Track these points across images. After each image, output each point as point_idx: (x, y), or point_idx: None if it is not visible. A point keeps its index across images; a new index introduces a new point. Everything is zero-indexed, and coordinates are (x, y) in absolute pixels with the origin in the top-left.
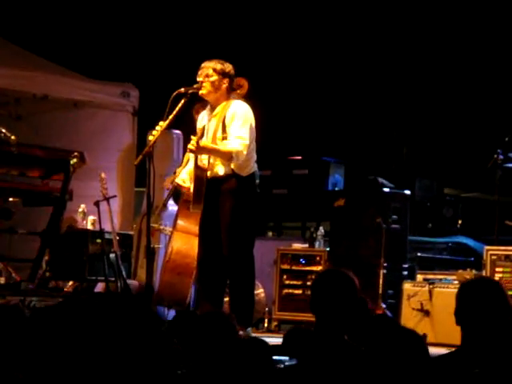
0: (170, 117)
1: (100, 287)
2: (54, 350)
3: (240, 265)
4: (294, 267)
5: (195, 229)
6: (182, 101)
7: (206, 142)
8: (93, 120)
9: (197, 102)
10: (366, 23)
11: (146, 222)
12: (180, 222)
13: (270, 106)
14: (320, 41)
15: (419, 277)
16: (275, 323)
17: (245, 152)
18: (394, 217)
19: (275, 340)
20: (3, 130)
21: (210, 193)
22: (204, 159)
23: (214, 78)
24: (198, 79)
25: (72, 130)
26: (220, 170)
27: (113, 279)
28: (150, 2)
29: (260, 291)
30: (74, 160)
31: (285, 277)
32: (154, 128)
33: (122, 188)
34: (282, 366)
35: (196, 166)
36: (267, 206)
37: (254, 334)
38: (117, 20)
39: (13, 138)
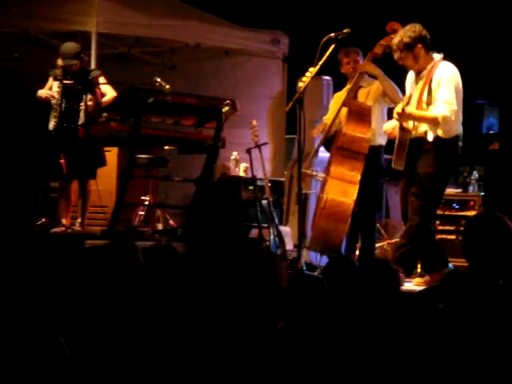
0: (320, 63)
1: (254, 233)
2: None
3: (423, 221)
4: (447, 212)
5: (350, 175)
6: (332, 46)
7: (411, 108)
8: (244, 68)
9: (344, 47)
10: None
11: (298, 168)
12: (334, 169)
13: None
14: None
15: None
16: None
17: (453, 118)
18: None
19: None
20: (158, 80)
21: (412, 151)
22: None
23: (407, 54)
24: (397, 60)
25: (224, 77)
26: (425, 133)
27: (265, 225)
28: None
29: None
30: (226, 108)
31: (438, 222)
32: (304, 74)
33: (273, 135)
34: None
35: (401, 127)
36: None
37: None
38: None
39: (167, 87)
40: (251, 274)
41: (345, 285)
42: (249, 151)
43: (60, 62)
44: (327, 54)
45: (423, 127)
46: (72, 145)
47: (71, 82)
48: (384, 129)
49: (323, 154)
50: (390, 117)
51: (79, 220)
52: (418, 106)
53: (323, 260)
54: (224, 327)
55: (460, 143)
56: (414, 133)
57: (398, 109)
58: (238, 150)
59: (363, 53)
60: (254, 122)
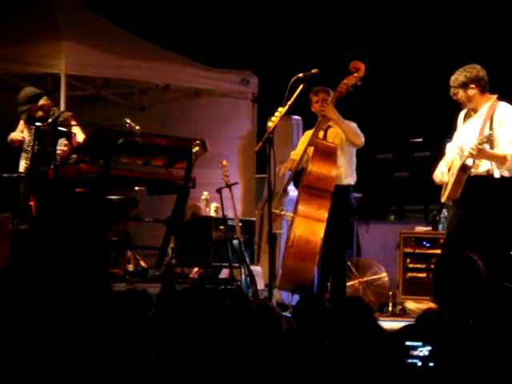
0: (289, 102)
1: (225, 273)
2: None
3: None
4: (417, 250)
5: (316, 214)
6: (301, 86)
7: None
8: (214, 108)
9: (314, 86)
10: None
11: (268, 207)
12: (301, 208)
13: (391, 88)
14: (442, 21)
15: None
16: (399, 307)
17: None
18: None
19: (400, 324)
20: (128, 121)
21: (470, 190)
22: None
23: (460, 93)
24: (452, 95)
25: (193, 118)
26: (487, 171)
27: (236, 265)
28: None
29: (383, 275)
30: (196, 148)
31: (408, 260)
32: (273, 114)
33: (244, 175)
34: (417, 353)
35: (462, 166)
36: (389, 190)
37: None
38: (234, 9)
39: (137, 128)
40: (223, 314)
41: (315, 324)
42: (219, 191)
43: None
44: (296, 93)
45: (484, 166)
46: (42, 187)
47: (44, 124)
48: (435, 175)
49: (294, 192)
50: (360, 156)
51: None
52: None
53: (295, 299)
54: (195, 369)
55: None
56: (473, 171)
57: (472, 147)
58: (208, 189)
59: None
60: (225, 162)
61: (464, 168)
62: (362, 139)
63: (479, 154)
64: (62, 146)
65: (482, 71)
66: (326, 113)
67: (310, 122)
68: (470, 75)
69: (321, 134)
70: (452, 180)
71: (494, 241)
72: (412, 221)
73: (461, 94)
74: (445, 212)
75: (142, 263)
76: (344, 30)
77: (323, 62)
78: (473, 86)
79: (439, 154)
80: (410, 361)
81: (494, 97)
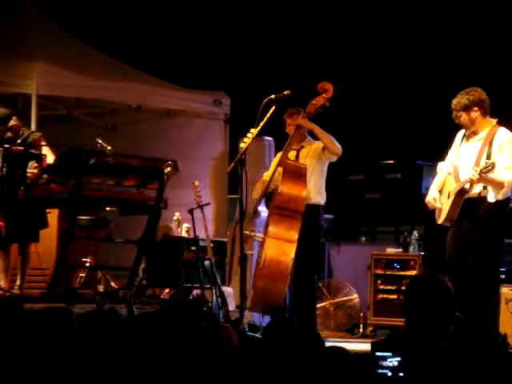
0: (261, 124)
1: (196, 294)
2: (151, 356)
3: (484, 287)
4: (388, 272)
5: (287, 234)
6: (273, 107)
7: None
8: (186, 128)
9: (288, 108)
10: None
11: (240, 228)
12: (272, 229)
13: (362, 110)
14: (412, 44)
15: None
16: (370, 328)
17: None
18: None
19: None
20: (99, 141)
21: (466, 211)
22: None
23: (463, 116)
24: (454, 118)
25: (166, 138)
26: (479, 193)
27: (208, 286)
28: (239, 14)
29: (354, 296)
30: (168, 169)
31: (379, 282)
32: (245, 135)
33: (216, 195)
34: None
35: (460, 190)
36: (360, 211)
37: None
38: (208, 30)
39: (109, 148)
40: (192, 334)
41: (284, 345)
42: (191, 212)
43: None
44: (268, 115)
45: (478, 188)
46: (12, 207)
47: (13, 146)
48: (427, 200)
49: (266, 213)
50: (331, 177)
51: (18, 283)
52: (475, 166)
53: (266, 320)
54: None
55: (511, 205)
56: (469, 193)
57: (473, 173)
58: (180, 210)
59: None
60: (197, 183)
61: (462, 191)
62: (341, 148)
63: (480, 179)
64: (31, 168)
65: (484, 94)
66: (305, 126)
67: (282, 142)
68: (473, 98)
69: (293, 154)
70: (449, 203)
71: (492, 255)
72: (383, 242)
73: (464, 116)
74: (415, 234)
75: (113, 284)
76: (315, 52)
77: (296, 83)
78: (476, 108)
79: (410, 175)
80: (380, 371)
81: (494, 121)
